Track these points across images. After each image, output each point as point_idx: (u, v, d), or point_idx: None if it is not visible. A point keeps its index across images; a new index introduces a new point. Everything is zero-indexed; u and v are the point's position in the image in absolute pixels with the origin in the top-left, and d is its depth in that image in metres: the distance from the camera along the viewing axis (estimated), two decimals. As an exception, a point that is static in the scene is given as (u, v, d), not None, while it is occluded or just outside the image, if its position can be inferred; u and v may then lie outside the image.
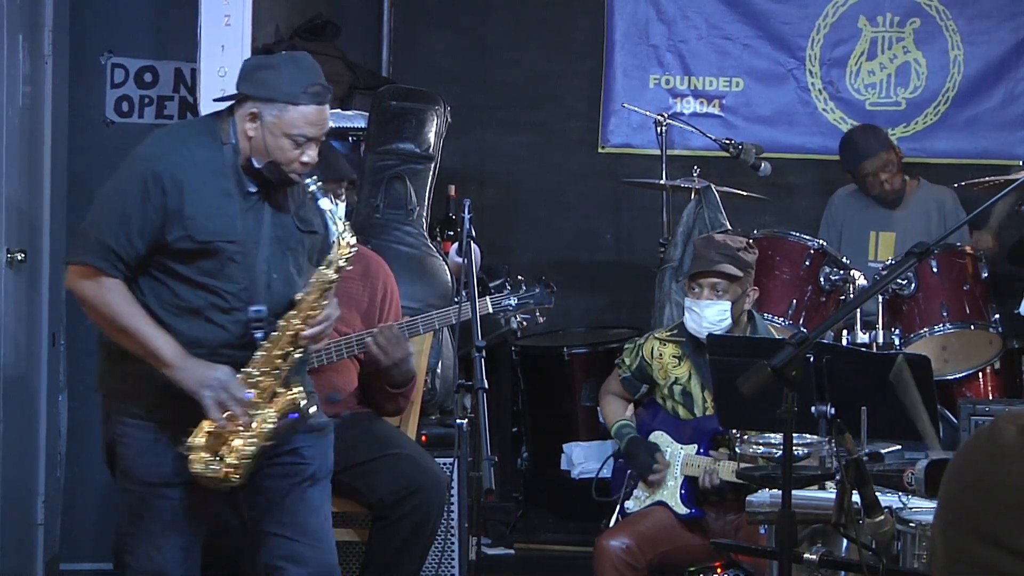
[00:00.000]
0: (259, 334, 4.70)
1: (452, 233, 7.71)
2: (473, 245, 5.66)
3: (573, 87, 9.03)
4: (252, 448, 4.66)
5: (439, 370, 6.85)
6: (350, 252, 4.76)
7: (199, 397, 4.61)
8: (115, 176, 4.77)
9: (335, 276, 4.76)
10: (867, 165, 7.69)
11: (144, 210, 4.64)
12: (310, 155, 4.73)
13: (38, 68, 7.05)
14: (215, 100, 5.00)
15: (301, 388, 4.77)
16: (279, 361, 4.72)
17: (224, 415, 4.61)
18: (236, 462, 4.64)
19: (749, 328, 6.01)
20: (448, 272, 7.07)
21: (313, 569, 4.96)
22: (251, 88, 4.74)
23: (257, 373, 4.69)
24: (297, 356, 4.76)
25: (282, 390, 4.73)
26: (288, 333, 4.72)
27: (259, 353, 4.70)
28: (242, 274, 4.71)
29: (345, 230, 4.76)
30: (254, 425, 4.66)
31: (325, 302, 4.77)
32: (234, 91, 4.82)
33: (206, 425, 4.63)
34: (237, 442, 4.64)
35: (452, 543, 6.35)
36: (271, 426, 4.68)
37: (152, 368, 4.63)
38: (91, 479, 7.46)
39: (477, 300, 5.47)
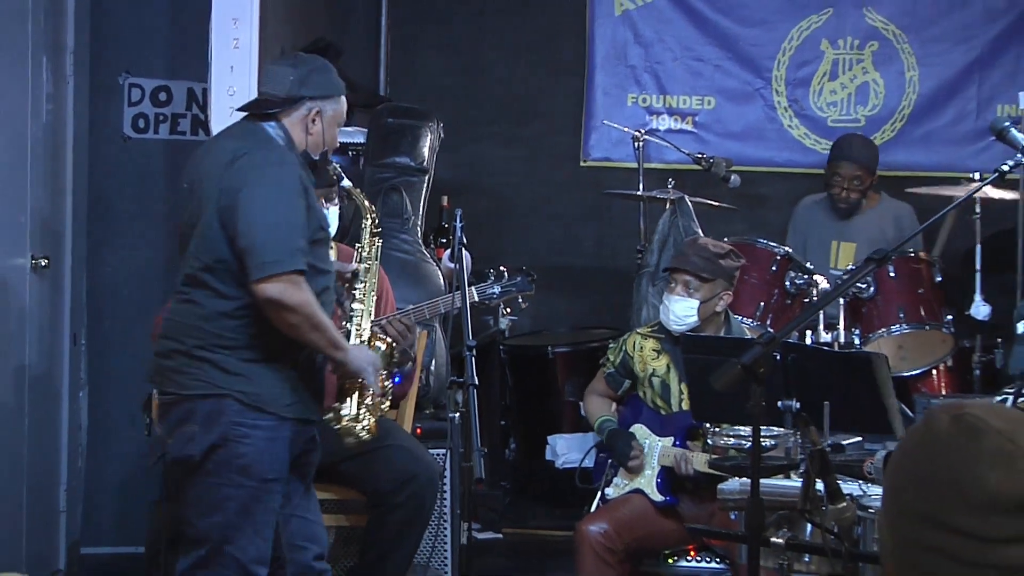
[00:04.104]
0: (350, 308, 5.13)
1: (445, 240, 7.70)
2: (464, 252, 5.66)
3: (557, 105, 9.03)
4: (385, 405, 5.11)
5: (433, 367, 6.84)
6: (378, 221, 5.29)
7: (364, 375, 4.88)
8: (265, 187, 4.68)
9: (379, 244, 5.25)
10: (844, 166, 7.66)
11: (307, 211, 4.71)
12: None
13: (60, 88, 7.04)
14: (260, 108, 4.95)
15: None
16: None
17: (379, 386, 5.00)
18: (374, 421, 5.03)
19: (724, 328, 6.01)
20: (441, 277, 7.07)
21: (323, 548, 5.11)
22: (312, 90, 4.89)
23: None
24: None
25: None
26: (369, 303, 5.14)
27: (360, 324, 5.09)
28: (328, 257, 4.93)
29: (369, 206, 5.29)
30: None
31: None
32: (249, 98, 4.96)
33: (354, 398, 4.96)
34: (370, 404, 5.01)
35: (445, 528, 6.33)
36: (390, 384, 5.17)
37: (284, 369, 4.76)
38: (110, 469, 7.46)
39: (467, 300, 5.49)
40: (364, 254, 5.19)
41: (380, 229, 5.27)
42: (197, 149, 5.21)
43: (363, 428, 4.97)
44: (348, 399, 4.95)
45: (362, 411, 4.97)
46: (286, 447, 4.79)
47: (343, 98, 4.98)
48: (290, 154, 4.80)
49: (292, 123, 4.86)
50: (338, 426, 4.93)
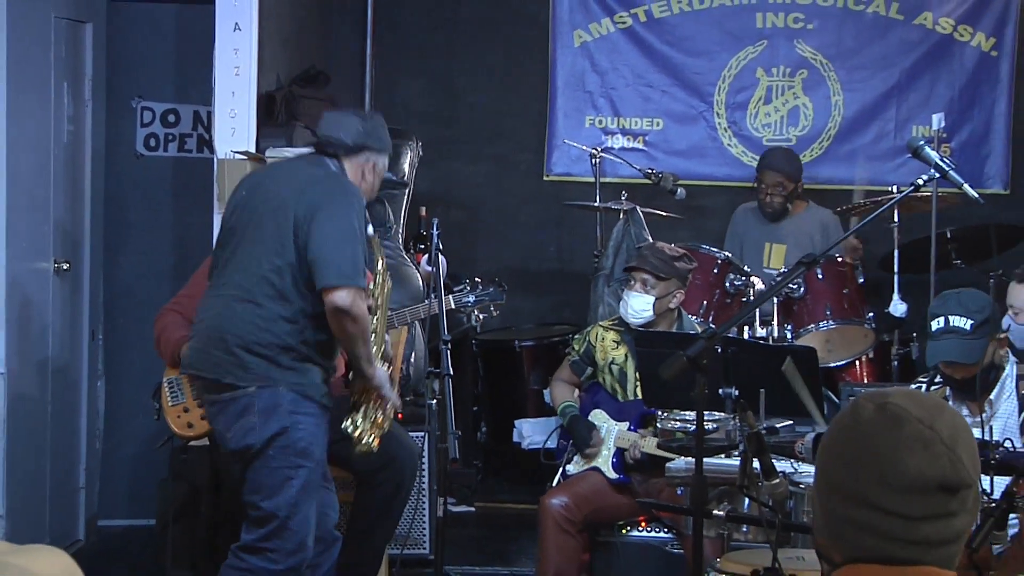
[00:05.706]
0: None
1: (423, 246, 7.68)
2: (440, 256, 5.66)
3: (523, 126, 9.02)
4: (387, 425, 5.03)
5: (412, 359, 6.83)
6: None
7: (383, 390, 4.90)
8: (341, 209, 4.77)
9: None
10: (767, 175, 7.69)
11: (364, 236, 4.80)
12: None
13: (80, 110, 7.03)
14: (329, 147, 4.98)
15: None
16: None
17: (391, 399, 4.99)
18: (380, 431, 5.00)
19: (677, 324, 6.03)
20: (420, 279, 7.05)
21: (337, 516, 5.22)
22: (375, 143, 5.00)
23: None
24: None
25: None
26: (382, 324, 5.05)
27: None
28: None
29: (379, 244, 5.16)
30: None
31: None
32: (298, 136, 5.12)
33: (368, 409, 4.94)
34: (380, 416, 4.99)
35: (423, 503, 6.34)
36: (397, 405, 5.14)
37: (321, 369, 4.86)
38: (124, 450, 7.45)
39: (443, 300, 5.49)
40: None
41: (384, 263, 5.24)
42: (260, 168, 5.36)
43: (373, 438, 4.99)
44: (363, 410, 4.96)
45: (371, 421, 4.99)
46: (327, 431, 4.91)
47: (387, 155, 5.10)
48: (356, 187, 4.91)
49: (351, 166, 4.95)
50: (355, 433, 4.93)
